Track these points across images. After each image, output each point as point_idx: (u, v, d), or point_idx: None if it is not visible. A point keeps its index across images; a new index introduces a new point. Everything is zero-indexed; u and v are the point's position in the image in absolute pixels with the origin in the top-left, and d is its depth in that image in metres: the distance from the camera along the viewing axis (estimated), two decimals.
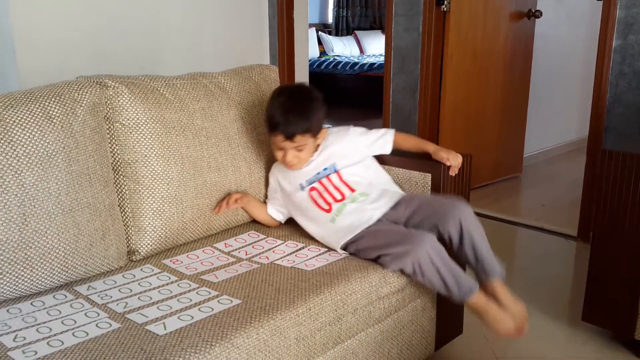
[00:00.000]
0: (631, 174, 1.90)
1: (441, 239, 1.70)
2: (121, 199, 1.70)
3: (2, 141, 1.41)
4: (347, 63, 8.05)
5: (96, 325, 1.34)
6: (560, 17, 4.64)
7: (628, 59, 2.81)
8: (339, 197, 1.81)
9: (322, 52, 8.80)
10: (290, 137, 1.78)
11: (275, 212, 1.96)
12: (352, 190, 1.82)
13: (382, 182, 1.90)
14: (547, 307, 2.40)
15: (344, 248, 1.76)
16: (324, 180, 1.84)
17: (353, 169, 1.87)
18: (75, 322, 1.35)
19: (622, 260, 1.96)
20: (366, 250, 1.70)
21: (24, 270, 1.42)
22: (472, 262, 1.73)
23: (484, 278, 1.73)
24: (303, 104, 1.82)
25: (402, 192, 1.89)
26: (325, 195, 1.82)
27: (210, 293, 1.49)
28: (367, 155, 1.93)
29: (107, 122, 1.68)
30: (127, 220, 1.71)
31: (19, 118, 1.45)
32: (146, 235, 1.72)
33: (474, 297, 1.65)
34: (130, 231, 1.71)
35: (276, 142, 1.83)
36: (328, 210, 1.80)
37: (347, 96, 8.01)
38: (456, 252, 1.73)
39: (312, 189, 1.84)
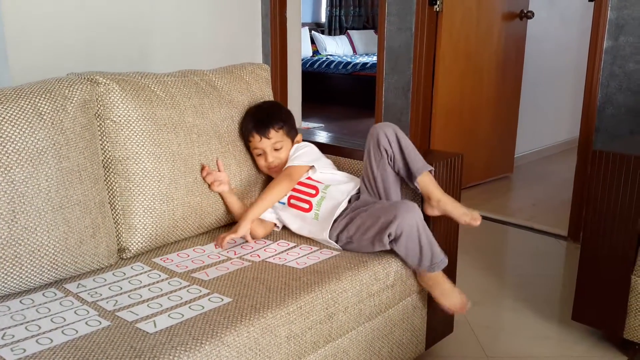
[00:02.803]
0: (621, 175, 1.91)
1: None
2: (112, 197, 1.70)
3: None
4: (339, 62, 8.06)
5: (86, 323, 1.33)
6: (552, 18, 4.66)
7: (619, 60, 2.83)
8: (313, 192, 1.88)
9: (315, 52, 8.81)
10: (265, 133, 1.91)
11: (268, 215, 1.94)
12: (322, 183, 1.90)
13: (346, 177, 1.97)
14: (538, 307, 2.41)
15: (336, 240, 1.78)
16: (297, 186, 1.91)
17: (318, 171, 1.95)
18: (65, 320, 1.34)
19: (612, 260, 1.97)
20: (357, 233, 1.73)
21: (13, 267, 1.42)
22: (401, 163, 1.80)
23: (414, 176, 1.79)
24: (272, 108, 2.01)
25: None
26: (302, 196, 1.89)
27: (200, 291, 1.48)
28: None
29: (97, 119, 1.67)
30: (117, 217, 1.70)
31: (8, 114, 1.44)
32: (137, 233, 1.71)
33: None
34: (121, 229, 1.70)
35: (255, 146, 1.95)
36: (309, 209, 1.86)
37: (340, 95, 8.02)
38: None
39: (290, 197, 1.90)
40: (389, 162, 1.80)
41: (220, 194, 1.91)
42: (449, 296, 1.77)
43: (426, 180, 1.78)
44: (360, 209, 1.78)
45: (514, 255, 3.14)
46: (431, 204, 1.80)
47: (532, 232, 3.31)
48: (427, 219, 1.83)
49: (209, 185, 1.86)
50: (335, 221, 1.79)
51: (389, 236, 1.65)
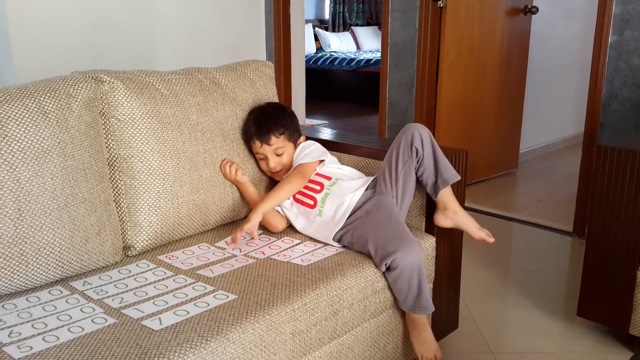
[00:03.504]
0: (626, 170, 1.90)
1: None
2: (117, 194, 1.70)
3: None
4: (343, 59, 8.04)
5: (92, 320, 1.34)
6: (556, 13, 4.65)
7: (624, 55, 2.82)
8: (318, 188, 1.87)
9: (319, 48, 8.80)
10: (265, 140, 1.91)
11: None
12: (329, 178, 1.89)
13: (353, 171, 1.97)
14: (543, 303, 2.41)
15: (339, 240, 1.78)
16: None
17: (326, 164, 1.96)
18: (71, 318, 1.35)
19: (617, 256, 1.97)
20: (357, 244, 1.72)
21: (19, 265, 1.42)
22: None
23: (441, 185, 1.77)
24: (274, 112, 1.98)
25: (373, 177, 1.92)
26: (307, 192, 1.88)
27: (206, 288, 1.49)
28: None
29: (102, 117, 1.68)
30: (122, 215, 1.71)
31: (14, 113, 1.44)
32: (142, 230, 1.72)
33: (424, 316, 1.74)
34: (126, 226, 1.71)
35: (256, 151, 1.96)
36: (313, 206, 1.85)
37: (344, 92, 8.02)
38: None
39: (296, 192, 1.89)
40: (415, 164, 1.78)
41: (239, 186, 1.93)
42: (424, 345, 1.75)
43: (446, 191, 1.78)
44: (370, 215, 1.76)
45: (519, 251, 3.13)
46: (447, 214, 1.79)
47: (537, 228, 3.30)
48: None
49: (235, 172, 1.88)
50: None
51: (385, 265, 1.64)
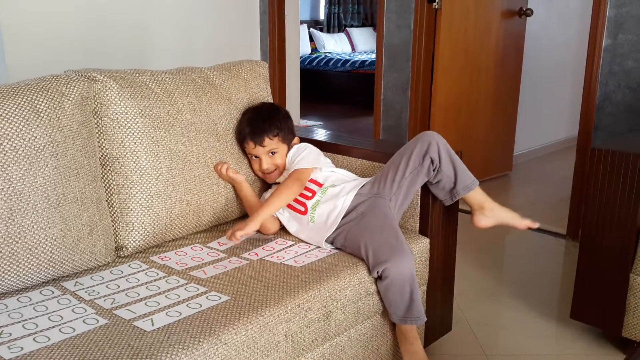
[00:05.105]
0: (620, 173, 1.91)
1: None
2: (109, 194, 1.69)
3: None
4: (338, 60, 8.05)
5: (83, 321, 1.33)
6: (551, 15, 4.66)
7: (618, 58, 2.82)
8: (309, 194, 1.85)
9: (314, 49, 8.80)
10: (259, 141, 1.90)
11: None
12: (320, 185, 1.87)
13: (346, 174, 1.95)
14: (536, 305, 2.41)
15: (332, 242, 1.77)
16: None
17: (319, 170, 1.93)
18: (62, 318, 1.34)
19: (611, 259, 1.97)
20: (352, 244, 1.71)
21: (10, 265, 1.41)
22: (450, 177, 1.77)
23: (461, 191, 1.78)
24: (268, 112, 1.96)
25: (367, 179, 1.90)
26: (299, 197, 1.86)
27: (198, 289, 1.48)
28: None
29: (95, 117, 1.67)
30: (115, 215, 1.69)
31: (6, 112, 1.43)
32: (134, 230, 1.71)
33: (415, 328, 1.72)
34: (118, 227, 1.70)
35: (249, 152, 1.95)
36: (304, 212, 1.83)
37: (338, 93, 8.02)
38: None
39: None
40: (428, 172, 1.75)
41: (235, 185, 1.92)
42: (414, 359, 1.72)
43: (477, 191, 1.78)
44: (364, 217, 1.75)
45: (512, 254, 3.14)
46: (485, 214, 1.79)
47: (531, 231, 3.30)
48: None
49: (226, 171, 1.87)
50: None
51: (376, 272, 1.63)
